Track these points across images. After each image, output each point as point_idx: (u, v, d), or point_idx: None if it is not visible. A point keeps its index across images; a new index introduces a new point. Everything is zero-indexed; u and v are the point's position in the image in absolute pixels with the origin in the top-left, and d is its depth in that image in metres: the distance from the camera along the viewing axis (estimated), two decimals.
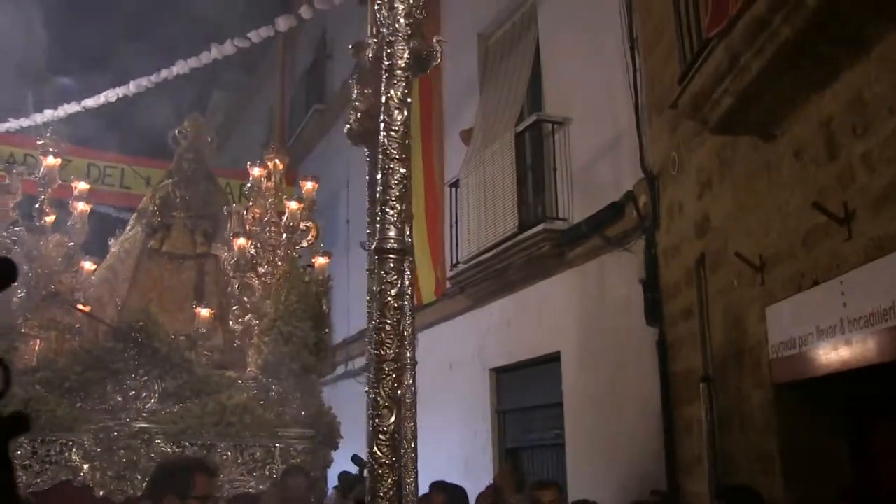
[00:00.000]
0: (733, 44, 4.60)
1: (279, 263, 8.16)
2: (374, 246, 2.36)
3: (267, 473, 7.29)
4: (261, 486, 7.22)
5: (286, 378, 7.42)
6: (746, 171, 5.62)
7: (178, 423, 7.15)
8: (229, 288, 8.34)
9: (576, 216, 9.00)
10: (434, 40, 3.55)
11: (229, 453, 7.25)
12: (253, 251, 8.16)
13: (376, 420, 2.28)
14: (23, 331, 7.49)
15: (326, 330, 7.73)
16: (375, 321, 2.34)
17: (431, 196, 12.75)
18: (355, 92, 4.19)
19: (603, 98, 8.68)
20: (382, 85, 2.45)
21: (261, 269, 8.15)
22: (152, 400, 7.24)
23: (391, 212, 2.37)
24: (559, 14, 9.90)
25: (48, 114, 11.61)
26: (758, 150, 5.41)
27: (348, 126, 4.16)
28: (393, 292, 2.32)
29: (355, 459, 5.98)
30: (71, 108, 11.90)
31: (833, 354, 4.64)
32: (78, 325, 7.87)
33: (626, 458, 7.94)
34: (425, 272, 12.37)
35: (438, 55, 3.59)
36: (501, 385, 10.80)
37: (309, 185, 8.49)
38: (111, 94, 12.12)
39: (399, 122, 2.35)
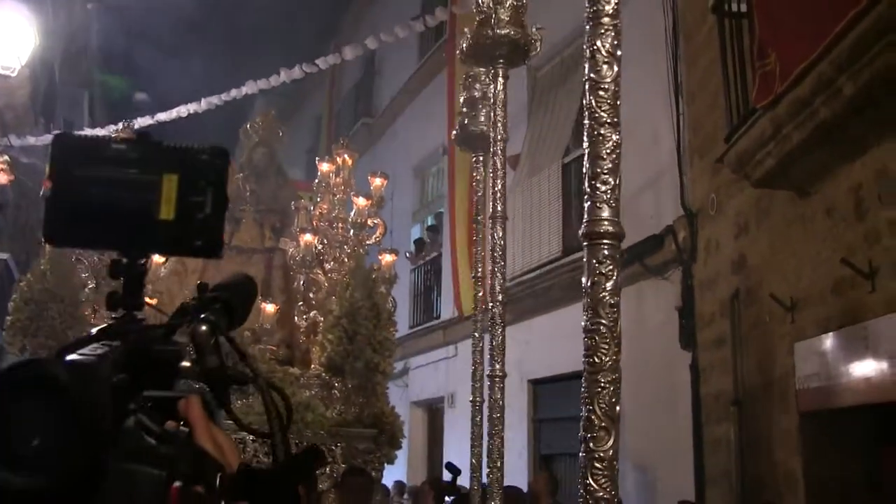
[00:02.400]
0: (777, 117, 5.20)
1: (346, 260, 7.96)
2: (582, 230, 1.94)
3: (328, 472, 7.11)
4: (321, 486, 7.02)
5: (349, 376, 7.26)
6: (782, 221, 6.21)
7: (241, 419, 7.54)
8: (295, 283, 8.30)
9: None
10: (533, 28, 3.99)
11: None
12: (319, 247, 8.01)
13: (591, 444, 1.88)
14: (92, 322, 7.16)
15: (392, 329, 7.56)
16: (586, 321, 1.93)
17: (472, 214, 13.35)
18: (462, 97, 4.41)
19: (647, 137, 9.26)
20: (585, 37, 2.00)
21: (327, 266, 8.03)
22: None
23: (603, 187, 1.93)
24: None
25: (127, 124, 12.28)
26: (793, 203, 6.00)
27: (455, 131, 4.27)
28: (608, 286, 1.89)
29: (449, 467, 6.16)
30: (144, 121, 12.58)
31: (855, 390, 5.24)
32: (143, 318, 8.24)
33: (657, 470, 8.53)
34: (466, 286, 12.98)
35: (538, 45, 4.00)
36: (539, 396, 11.40)
37: (377, 182, 8.26)
38: (182, 110, 12.79)
39: (609, 80, 1.93)
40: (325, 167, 8.31)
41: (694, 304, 8.13)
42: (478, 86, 4.31)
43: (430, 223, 16.50)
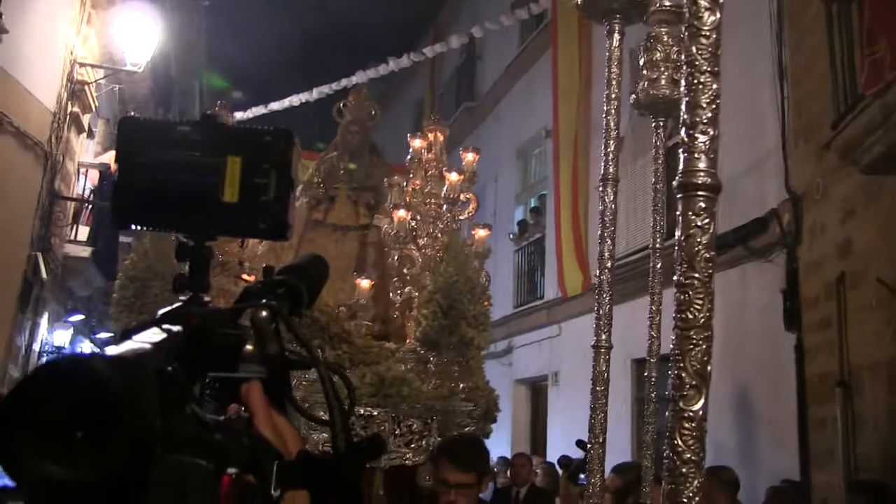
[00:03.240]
0: (887, 104, 5.21)
1: (439, 235, 7.91)
2: (677, 181, 1.87)
3: (424, 446, 7.00)
4: (417, 459, 6.98)
5: (444, 350, 7.22)
6: (890, 207, 6.19)
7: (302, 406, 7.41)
8: (390, 259, 8.26)
9: (720, 227, 9.59)
10: None
11: (387, 424, 7.07)
12: (413, 223, 7.97)
13: (680, 403, 1.80)
14: None
15: (486, 303, 7.49)
16: (679, 276, 1.83)
17: (575, 197, 13.46)
18: (643, 59, 4.10)
19: (751, 120, 9.23)
20: None
21: (420, 242, 7.99)
22: (311, 369, 7.42)
23: (701, 137, 1.87)
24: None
25: (238, 115, 12.76)
26: None
27: (634, 95, 4.03)
28: (703, 239, 1.81)
29: (580, 444, 6.25)
30: (258, 110, 13.03)
31: None
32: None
33: (761, 448, 8.57)
34: (571, 267, 13.13)
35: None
36: (642, 374, 11.48)
37: (469, 157, 8.18)
38: (294, 99, 13.21)
39: (709, 27, 1.84)
40: (416, 143, 8.25)
41: (798, 286, 8.13)
42: (659, 47, 3.99)
43: (533, 205, 16.64)
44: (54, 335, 13.10)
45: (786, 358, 8.18)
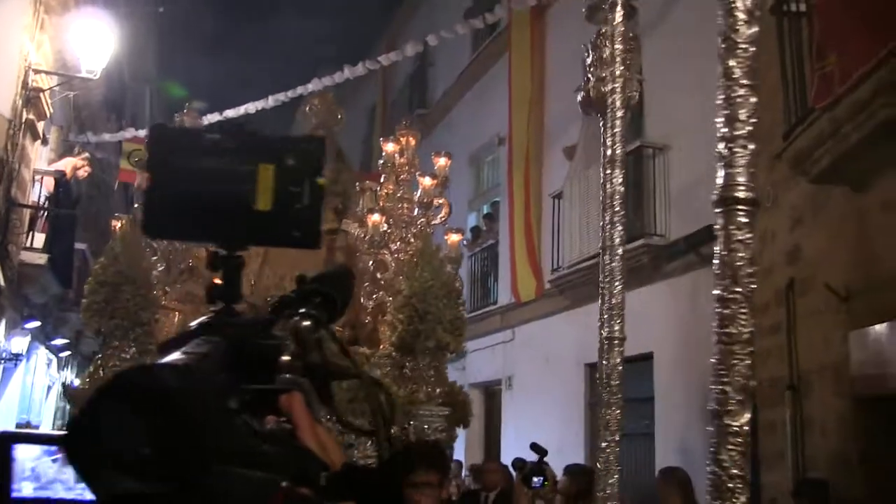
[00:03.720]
0: (836, 117, 5.37)
1: (412, 240, 7.82)
2: (716, 196, 1.86)
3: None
4: None
5: (420, 355, 7.15)
6: (838, 215, 6.38)
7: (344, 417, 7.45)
8: (360, 264, 8.10)
9: (672, 234, 9.79)
10: None
11: None
12: (385, 227, 7.89)
13: (725, 418, 1.80)
14: (163, 303, 7.29)
15: (461, 308, 7.46)
16: (722, 290, 1.85)
17: (528, 204, 13.60)
18: (590, 57, 4.01)
19: (700, 129, 9.40)
20: None
21: (393, 246, 7.90)
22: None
23: (741, 151, 1.86)
24: (661, 45, 10.62)
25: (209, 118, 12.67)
26: (849, 199, 6.17)
27: (582, 94, 3.90)
28: (744, 254, 1.82)
29: (535, 447, 6.31)
30: (213, 117, 12.95)
31: None
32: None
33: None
34: (524, 273, 13.25)
35: None
36: (595, 379, 11.63)
37: (442, 162, 8.07)
38: (251, 107, 13.16)
39: (746, 40, 1.83)
40: (389, 147, 8.16)
41: None
42: (608, 44, 3.94)
43: (486, 211, 16.75)
44: (12, 342, 12.92)
45: None
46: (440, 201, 7.91)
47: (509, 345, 14.12)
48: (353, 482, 0.97)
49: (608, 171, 3.69)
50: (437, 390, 7.20)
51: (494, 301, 15.18)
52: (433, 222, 7.96)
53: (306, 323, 1.03)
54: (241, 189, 1.05)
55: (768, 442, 7.76)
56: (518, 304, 13.59)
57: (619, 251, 3.50)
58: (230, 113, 13.30)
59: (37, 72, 11.34)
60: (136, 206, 7.90)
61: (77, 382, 6.80)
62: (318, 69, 14.27)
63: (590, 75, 3.91)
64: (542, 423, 12.03)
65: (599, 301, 3.73)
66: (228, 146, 1.06)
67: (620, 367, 3.33)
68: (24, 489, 1.18)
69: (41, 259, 12.47)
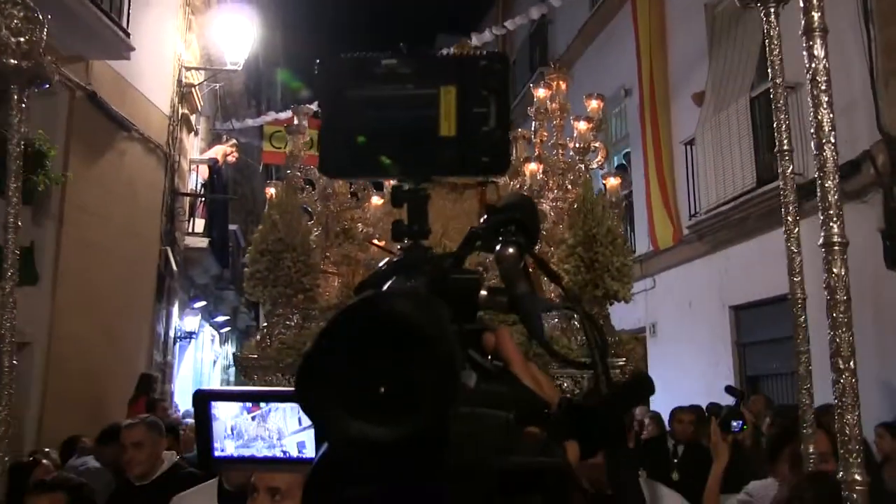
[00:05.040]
0: None
1: (569, 187, 7.40)
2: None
3: None
4: None
5: (588, 305, 6.71)
6: None
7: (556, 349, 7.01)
8: None
9: (811, 172, 9.58)
10: None
11: None
12: (542, 176, 7.46)
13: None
14: (322, 268, 6.97)
15: (629, 255, 7.38)
16: None
17: (658, 152, 13.48)
18: None
19: (835, 65, 9.14)
20: None
21: (550, 195, 7.50)
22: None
23: None
24: None
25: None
26: None
27: None
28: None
29: (730, 390, 6.27)
30: None
31: None
32: (373, 260, 7.09)
33: (869, 384, 8.61)
34: (661, 221, 13.18)
35: None
36: (741, 320, 11.55)
37: (594, 104, 7.68)
38: None
39: None
40: (541, 93, 7.71)
41: None
42: None
43: (617, 163, 16.65)
44: (185, 321, 13.74)
45: (890, 295, 8.19)
46: (596, 145, 7.54)
47: (650, 292, 14.08)
48: (576, 419, 0.87)
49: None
50: (610, 339, 6.83)
51: (633, 250, 15.13)
52: (591, 167, 7.57)
53: (511, 250, 0.92)
54: (422, 115, 0.95)
55: None
56: (656, 251, 13.52)
57: (833, 160, 3.08)
58: None
59: (188, 69, 11.95)
60: (288, 172, 7.56)
61: (244, 352, 6.84)
62: (439, 41, 14.43)
63: None
64: (690, 368, 12.02)
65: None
66: (405, 71, 0.96)
67: (847, 280, 2.75)
68: (227, 448, 1.14)
69: (203, 243, 13.22)
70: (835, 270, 2.77)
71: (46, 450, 6.09)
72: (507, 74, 0.98)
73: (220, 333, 20.00)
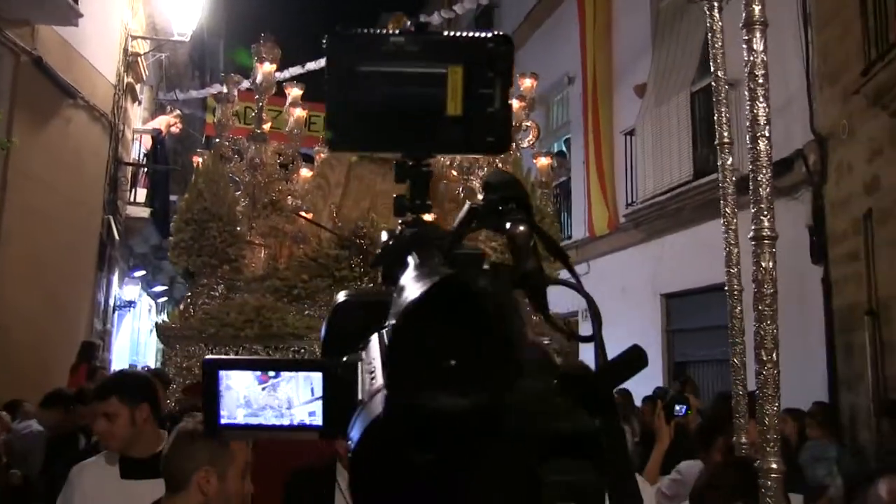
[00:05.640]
0: None
1: (499, 165, 7.28)
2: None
3: None
4: None
5: None
6: None
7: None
8: (447, 192, 7.68)
9: (746, 167, 9.85)
10: None
11: None
12: None
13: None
14: (248, 239, 6.91)
15: (557, 234, 7.11)
16: None
17: (598, 141, 13.69)
18: None
19: (774, 64, 9.38)
20: None
21: (481, 172, 7.47)
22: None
23: None
24: None
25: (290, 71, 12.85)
26: None
27: None
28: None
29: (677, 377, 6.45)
30: (312, 65, 13.13)
31: None
32: (300, 233, 7.14)
33: (790, 375, 8.92)
34: (598, 208, 13.40)
35: None
36: (671, 308, 11.84)
37: (528, 83, 7.66)
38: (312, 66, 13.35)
39: None
40: None
41: (825, 222, 8.40)
42: None
43: (556, 149, 16.82)
44: (124, 290, 13.59)
45: (813, 290, 8.49)
46: (528, 124, 7.56)
47: (584, 278, 13.81)
48: (570, 389, 0.85)
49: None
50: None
51: (569, 236, 15.36)
52: (522, 146, 7.66)
53: (523, 228, 0.91)
54: (429, 93, 0.95)
55: (847, 366, 7.92)
56: (592, 238, 13.75)
57: (766, 159, 3.17)
58: (311, 65, 13.50)
59: (135, 38, 11.74)
60: (216, 141, 7.45)
61: (166, 320, 6.58)
62: (383, 19, 14.32)
63: None
64: (619, 352, 12.29)
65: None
66: (413, 49, 0.96)
67: (774, 273, 2.79)
68: (237, 416, 1.10)
69: (145, 212, 13.07)
70: (762, 264, 2.80)
71: None
72: (511, 57, 0.99)
73: (157, 303, 19.78)
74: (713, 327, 10.52)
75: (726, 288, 3.69)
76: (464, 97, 0.95)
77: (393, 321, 0.73)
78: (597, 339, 0.95)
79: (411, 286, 0.75)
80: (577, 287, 1.00)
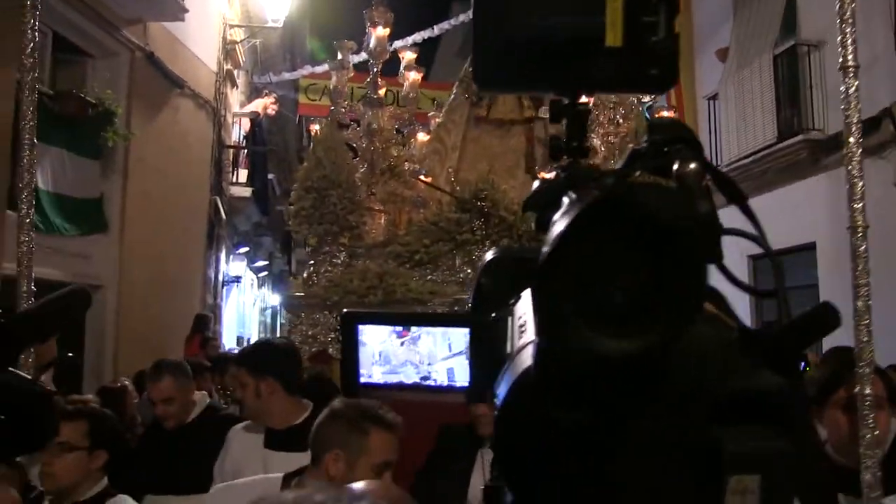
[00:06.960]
0: None
1: (620, 121, 7.13)
2: None
3: None
4: None
5: None
6: None
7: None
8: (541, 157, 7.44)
9: (830, 128, 9.76)
10: None
11: None
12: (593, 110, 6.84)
13: None
14: (367, 205, 6.80)
15: None
16: None
17: (680, 107, 13.62)
18: None
19: (858, 23, 9.26)
20: None
21: (601, 130, 7.17)
22: None
23: None
24: None
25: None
26: None
27: None
28: None
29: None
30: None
31: None
32: (420, 197, 6.98)
33: (882, 336, 8.88)
34: None
35: None
36: (758, 269, 11.81)
37: None
38: (418, 37, 13.59)
39: None
40: None
41: None
42: None
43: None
44: (230, 266, 14.20)
45: None
46: None
47: None
48: (753, 347, 0.77)
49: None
50: None
51: None
52: (644, 100, 7.45)
53: (694, 166, 0.79)
54: (587, 23, 0.83)
55: None
56: None
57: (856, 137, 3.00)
58: (398, 43, 13.71)
59: (232, 26, 12.18)
60: (332, 108, 7.34)
61: (291, 290, 6.58)
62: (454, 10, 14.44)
63: None
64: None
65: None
66: None
67: (866, 256, 2.84)
68: (374, 374, 1.08)
69: (246, 192, 13.60)
70: (856, 245, 2.86)
71: (124, 379, 6.46)
72: None
73: (258, 278, 20.47)
74: (800, 286, 10.52)
75: (848, 226, 3.30)
76: (625, 26, 0.83)
77: (545, 248, 0.63)
78: (780, 294, 0.86)
79: (565, 218, 0.64)
80: (757, 238, 0.88)
